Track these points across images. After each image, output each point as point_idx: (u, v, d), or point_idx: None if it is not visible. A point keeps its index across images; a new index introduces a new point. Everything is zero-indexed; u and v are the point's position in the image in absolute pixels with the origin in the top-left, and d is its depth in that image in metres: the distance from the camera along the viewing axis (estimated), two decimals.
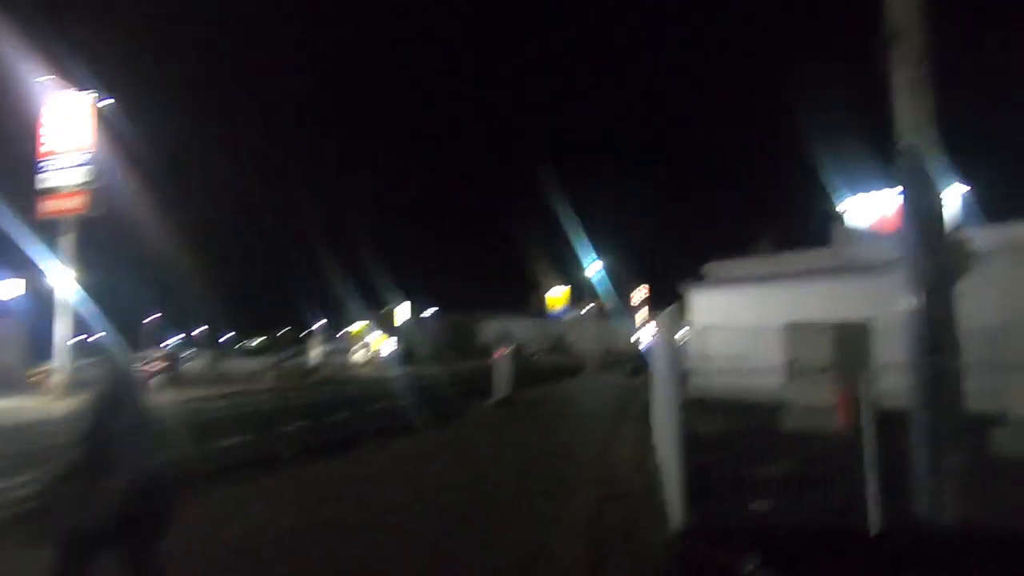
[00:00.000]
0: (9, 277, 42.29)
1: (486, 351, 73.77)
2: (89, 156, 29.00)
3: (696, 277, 26.39)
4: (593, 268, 41.72)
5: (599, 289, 41.76)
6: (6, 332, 43.96)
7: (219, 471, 9.79)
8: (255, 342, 74.61)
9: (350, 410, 18.27)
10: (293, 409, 17.26)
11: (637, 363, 31.17)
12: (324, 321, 57.81)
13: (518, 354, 71.19)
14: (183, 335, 67.86)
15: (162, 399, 23.16)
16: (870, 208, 27.53)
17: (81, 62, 29.73)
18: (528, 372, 40.84)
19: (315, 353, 40.84)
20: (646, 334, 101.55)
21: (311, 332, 41.83)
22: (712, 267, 31.68)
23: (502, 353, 19.01)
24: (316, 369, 37.58)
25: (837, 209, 28.24)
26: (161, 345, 53.17)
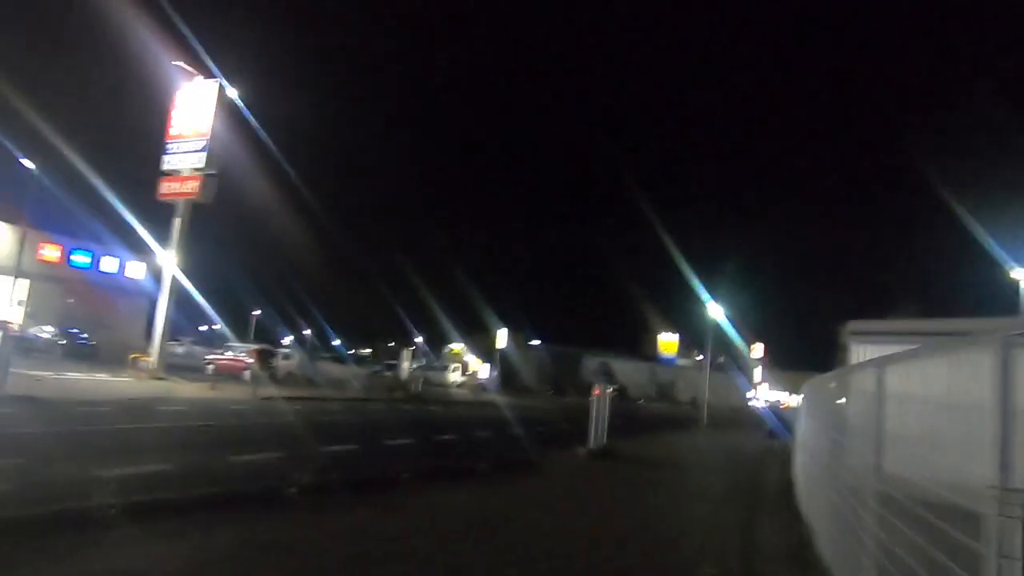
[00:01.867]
0: (135, 259, 44.12)
1: (588, 387, 69.85)
2: (205, 143, 28.86)
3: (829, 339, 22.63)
4: (712, 314, 37.49)
5: (715, 339, 37.40)
6: (129, 311, 46.01)
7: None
8: (365, 351, 75.13)
9: (413, 437, 15.66)
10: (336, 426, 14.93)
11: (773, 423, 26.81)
12: (421, 339, 56.71)
13: (620, 396, 66.87)
14: (293, 335, 69.29)
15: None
16: None
17: (214, 52, 29.76)
18: (631, 419, 36.79)
19: (405, 367, 39.18)
20: (761, 394, 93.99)
21: (406, 347, 40.41)
22: (857, 327, 26.82)
23: (600, 392, 15.73)
24: (406, 384, 35.72)
25: (1013, 275, 26.19)
26: (280, 341, 53.82)
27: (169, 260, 29.28)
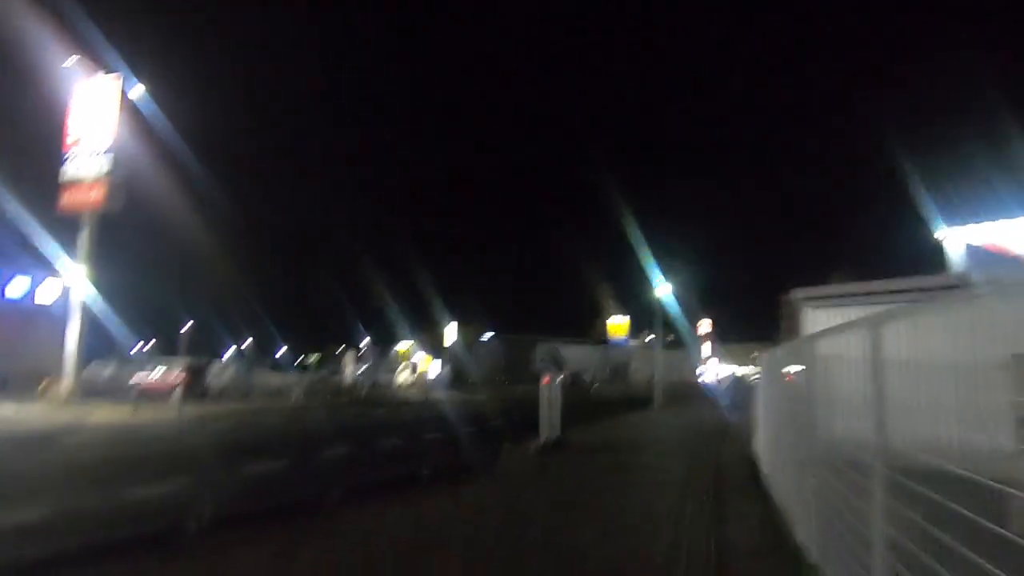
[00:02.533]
0: (45, 278, 40.79)
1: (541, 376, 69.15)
2: (109, 144, 26.57)
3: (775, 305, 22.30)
4: (660, 291, 37.05)
5: (663, 318, 36.99)
6: (44, 336, 42.62)
7: None
8: (311, 358, 72.30)
9: (350, 446, 14.34)
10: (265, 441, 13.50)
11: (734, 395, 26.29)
12: (368, 339, 54.78)
13: (572, 384, 66.45)
14: (232, 347, 66.01)
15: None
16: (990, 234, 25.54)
17: (112, 44, 27.32)
18: (586, 405, 36.17)
19: (349, 371, 37.49)
20: (711, 369, 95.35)
21: (346, 349, 38.68)
22: (808, 292, 26.75)
23: (549, 381, 14.74)
24: (351, 388, 34.12)
25: (937, 236, 26.54)
26: (219, 354, 50.66)
27: (78, 276, 26.93)
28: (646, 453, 13.84)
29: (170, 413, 22.63)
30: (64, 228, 29.59)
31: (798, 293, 23.37)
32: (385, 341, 63.68)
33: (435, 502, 9.06)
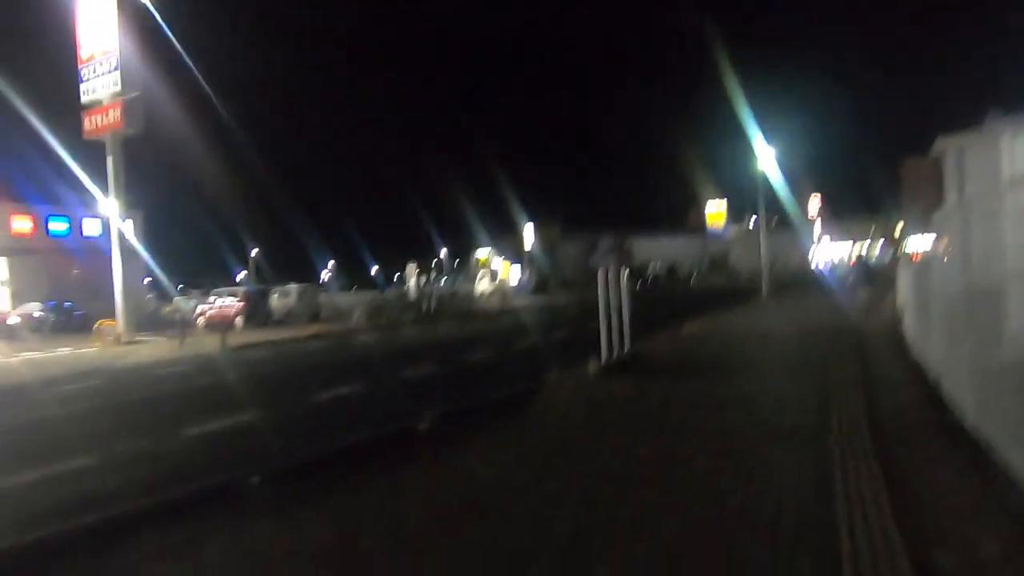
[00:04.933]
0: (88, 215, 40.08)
1: (637, 274, 65.08)
2: (116, 59, 23.90)
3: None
4: (761, 165, 31.27)
5: (767, 197, 31.40)
6: (95, 274, 42.67)
7: None
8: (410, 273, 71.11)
9: (374, 380, 11.29)
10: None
11: (864, 276, 21.21)
12: (444, 250, 52.30)
13: (668, 278, 61.61)
14: (323, 270, 65.70)
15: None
16: None
17: None
18: (679, 302, 32.02)
19: (412, 285, 34.96)
20: (824, 251, 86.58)
21: (410, 262, 36.19)
22: (957, 142, 21.05)
23: (612, 274, 10.92)
24: (416, 303, 31.68)
25: None
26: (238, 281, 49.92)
27: (112, 208, 25.18)
28: (749, 376, 9.92)
29: (214, 344, 20.80)
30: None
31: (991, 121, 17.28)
32: (466, 250, 61.20)
33: (433, 472, 5.80)
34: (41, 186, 37.48)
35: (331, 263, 63.58)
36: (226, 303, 29.74)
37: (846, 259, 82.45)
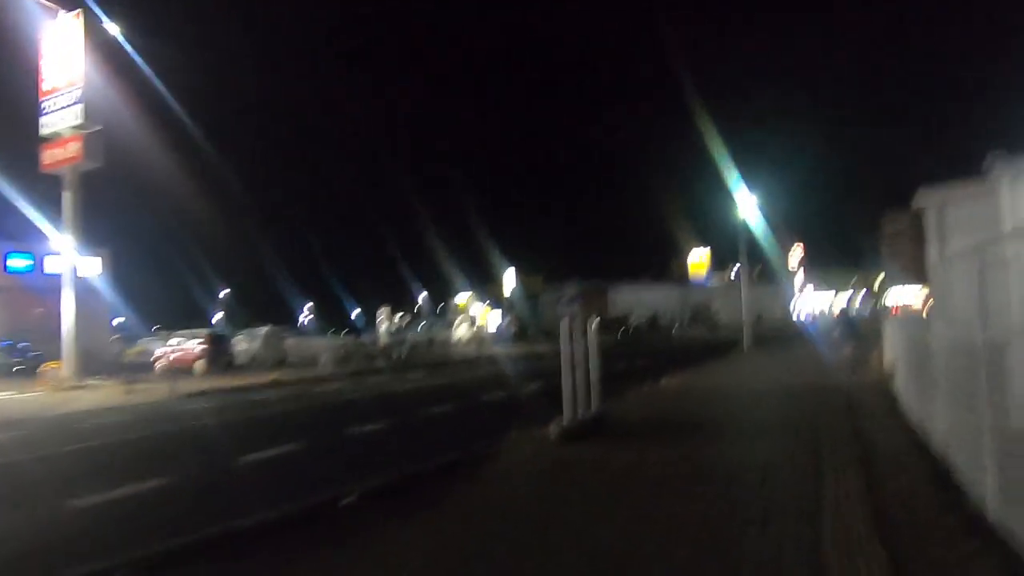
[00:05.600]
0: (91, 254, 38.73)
1: (617, 324, 64.22)
2: (80, 92, 23.07)
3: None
4: (744, 214, 30.76)
5: (749, 247, 30.78)
6: (88, 313, 41.13)
7: None
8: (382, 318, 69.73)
9: (309, 439, 10.08)
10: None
11: (848, 330, 20.23)
12: (424, 294, 51.23)
13: (650, 328, 60.76)
14: (300, 312, 64.10)
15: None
16: None
17: None
18: (658, 353, 30.86)
19: (383, 331, 33.74)
20: (807, 302, 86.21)
21: (384, 306, 34.88)
22: (939, 195, 20.52)
23: (577, 324, 9.88)
24: (386, 350, 30.43)
25: None
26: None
27: (67, 244, 23.99)
28: (728, 443, 8.87)
29: (162, 391, 19.39)
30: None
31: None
32: (448, 295, 60.10)
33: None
34: (2, 221, 36.24)
35: (309, 305, 62.19)
36: (186, 346, 28.30)
37: (827, 311, 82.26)
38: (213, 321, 60.87)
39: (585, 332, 10.11)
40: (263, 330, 31.11)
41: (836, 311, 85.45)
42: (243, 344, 30.46)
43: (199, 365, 27.27)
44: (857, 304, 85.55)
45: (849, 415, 10.34)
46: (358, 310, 62.94)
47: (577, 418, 9.40)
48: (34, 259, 38.34)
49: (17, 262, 37.59)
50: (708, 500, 6.01)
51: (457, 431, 11.51)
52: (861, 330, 23.01)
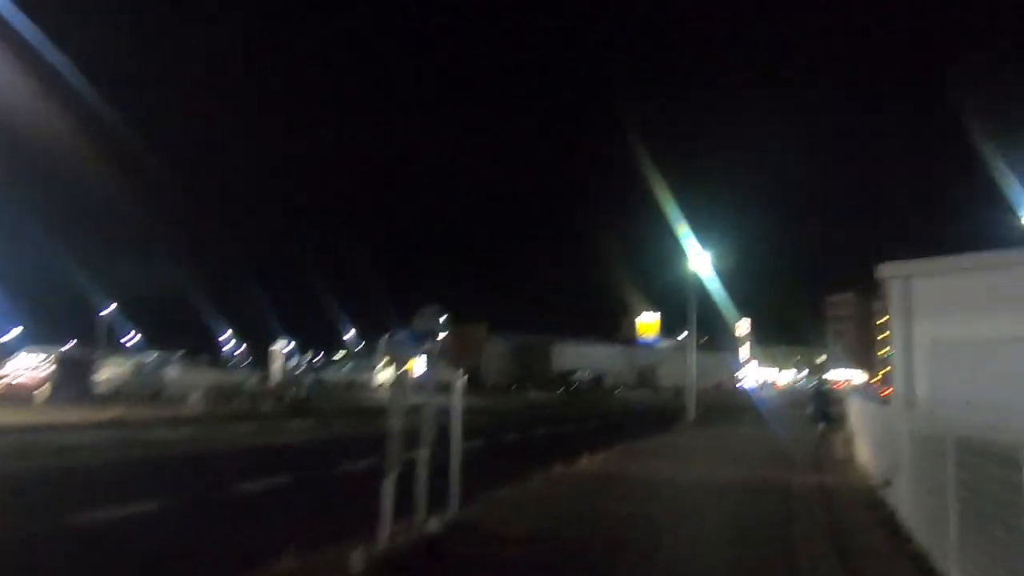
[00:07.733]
0: None
1: (560, 380, 60.83)
2: None
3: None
4: (694, 281, 28.20)
5: (698, 314, 28.14)
6: None
7: None
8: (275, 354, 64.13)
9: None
10: None
11: (822, 407, 17.01)
12: (352, 331, 47.01)
13: (593, 386, 57.65)
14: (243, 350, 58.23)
15: None
16: None
17: None
18: (594, 418, 27.16)
19: (275, 369, 29.36)
20: (751, 373, 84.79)
21: (280, 339, 30.58)
22: (899, 267, 18.03)
23: (402, 385, 6.42)
24: (277, 391, 26.14)
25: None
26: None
27: None
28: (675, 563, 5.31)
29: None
30: None
31: (899, 267, 15.25)
32: (376, 335, 55.74)
33: None
34: None
35: (228, 332, 56.80)
36: (30, 369, 23.51)
37: (770, 383, 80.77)
38: (126, 344, 54.87)
39: (449, 386, 6.58)
40: (135, 358, 26.45)
41: (785, 383, 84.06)
42: (110, 371, 25.72)
43: (40, 392, 22.52)
44: (801, 380, 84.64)
45: (834, 540, 6.89)
46: (284, 342, 57.82)
47: (414, 533, 5.71)
48: None
49: None
50: None
51: (253, 530, 7.63)
52: (837, 409, 20.00)
